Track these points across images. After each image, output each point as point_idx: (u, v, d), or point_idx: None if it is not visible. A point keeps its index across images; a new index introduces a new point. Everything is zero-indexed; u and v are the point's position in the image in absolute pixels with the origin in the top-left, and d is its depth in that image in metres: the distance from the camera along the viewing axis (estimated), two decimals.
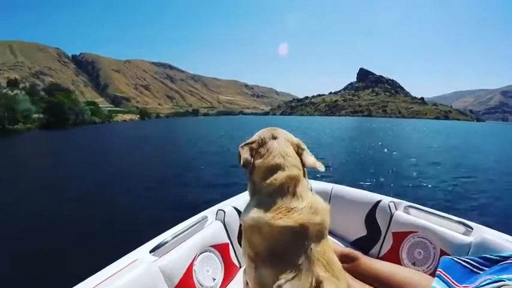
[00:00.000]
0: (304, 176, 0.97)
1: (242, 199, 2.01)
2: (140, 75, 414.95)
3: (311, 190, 0.97)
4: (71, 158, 13.27)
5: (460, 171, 9.50)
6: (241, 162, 0.95)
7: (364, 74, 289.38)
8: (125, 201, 6.32)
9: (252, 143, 0.99)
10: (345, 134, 30.26)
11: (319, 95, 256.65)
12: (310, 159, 0.98)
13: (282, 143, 0.98)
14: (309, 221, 0.84)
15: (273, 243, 0.84)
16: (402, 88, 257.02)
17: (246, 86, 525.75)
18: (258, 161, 0.95)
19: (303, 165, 0.98)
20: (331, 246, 0.99)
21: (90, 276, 1.13)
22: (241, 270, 1.77)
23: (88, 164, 11.51)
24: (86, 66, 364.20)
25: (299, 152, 0.99)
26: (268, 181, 0.90)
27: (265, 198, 0.89)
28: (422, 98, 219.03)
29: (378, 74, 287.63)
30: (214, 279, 1.57)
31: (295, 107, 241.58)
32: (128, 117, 76.43)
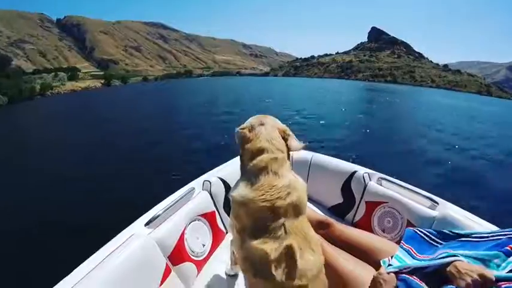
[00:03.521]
0: (288, 158, 1.13)
1: (227, 169, 2.12)
2: (130, 37, 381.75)
3: (292, 168, 1.12)
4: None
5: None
6: (240, 143, 1.14)
7: (377, 34, 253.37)
8: (110, 177, 6.45)
9: (244, 128, 1.15)
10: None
11: (326, 55, 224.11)
12: (294, 143, 1.14)
13: (269, 129, 1.13)
14: (286, 199, 0.98)
15: (257, 217, 0.98)
16: (416, 52, 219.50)
17: (244, 45, 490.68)
18: (248, 145, 1.10)
19: (288, 149, 1.13)
20: (310, 214, 1.17)
21: (92, 254, 1.22)
22: (228, 235, 1.91)
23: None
24: (70, 29, 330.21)
25: (285, 137, 1.15)
26: (255, 161, 1.06)
27: (252, 176, 1.05)
28: (446, 65, 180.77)
29: (391, 35, 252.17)
30: (203, 245, 1.69)
31: (300, 67, 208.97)
32: (81, 85, 53.89)
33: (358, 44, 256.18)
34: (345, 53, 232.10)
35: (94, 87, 55.83)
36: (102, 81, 63.63)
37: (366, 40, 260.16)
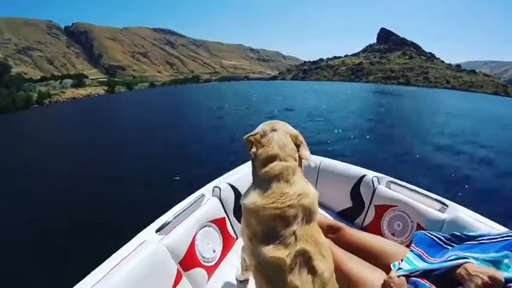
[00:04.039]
0: (300, 165, 1.12)
1: (237, 175, 2.15)
2: (138, 43, 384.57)
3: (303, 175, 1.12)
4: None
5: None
6: (250, 151, 1.11)
7: (386, 35, 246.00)
8: (120, 184, 6.47)
9: (255, 134, 1.14)
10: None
11: (335, 57, 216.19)
12: (306, 152, 1.12)
13: (281, 135, 1.12)
14: (297, 206, 0.98)
15: (267, 225, 0.98)
16: (427, 53, 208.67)
17: (251, 49, 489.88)
18: (259, 151, 1.10)
19: (300, 155, 1.11)
20: (320, 219, 1.17)
21: (103, 261, 1.23)
22: (238, 241, 1.94)
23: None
24: (78, 36, 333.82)
25: (297, 144, 1.14)
26: (266, 168, 1.05)
27: (263, 183, 1.04)
28: (459, 65, 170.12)
29: (401, 36, 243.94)
30: (214, 251, 1.71)
31: (309, 70, 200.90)
32: (83, 93, 51.15)
33: (366, 46, 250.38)
34: (354, 55, 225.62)
35: (97, 95, 53.13)
36: (106, 88, 60.97)
37: (375, 42, 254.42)
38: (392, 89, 76.96)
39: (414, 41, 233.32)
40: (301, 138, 1.16)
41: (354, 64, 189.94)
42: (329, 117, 16.42)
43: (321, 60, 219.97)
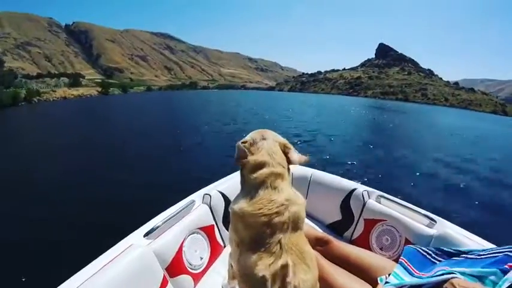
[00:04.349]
0: (289, 173, 1.12)
1: (227, 183, 2.15)
2: (137, 46, 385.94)
3: (291, 185, 1.11)
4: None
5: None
6: (237, 158, 1.11)
7: (384, 51, 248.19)
8: (109, 187, 6.38)
9: (245, 142, 1.13)
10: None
11: (333, 70, 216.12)
12: (295, 157, 1.13)
13: (270, 143, 1.12)
14: (284, 213, 0.98)
15: (254, 231, 0.98)
16: (426, 69, 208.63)
17: (250, 59, 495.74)
18: (248, 158, 1.09)
19: (289, 162, 1.13)
20: (308, 231, 1.19)
21: (88, 263, 1.21)
22: (226, 249, 1.93)
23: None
24: (78, 35, 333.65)
25: (285, 151, 1.13)
26: (255, 175, 1.04)
27: (251, 190, 1.04)
28: (457, 83, 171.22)
29: (399, 52, 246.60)
30: (201, 258, 1.71)
31: (307, 82, 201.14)
32: (74, 93, 49.21)
33: (365, 61, 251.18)
34: (353, 69, 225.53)
35: (89, 96, 51.50)
36: (99, 89, 59.21)
37: (374, 56, 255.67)
38: (390, 104, 76.34)
39: (412, 57, 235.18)
40: (289, 145, 1.17)
41: (352, 78, 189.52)
42: (324, 130, 16.31)
43: (319, 72, 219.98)
